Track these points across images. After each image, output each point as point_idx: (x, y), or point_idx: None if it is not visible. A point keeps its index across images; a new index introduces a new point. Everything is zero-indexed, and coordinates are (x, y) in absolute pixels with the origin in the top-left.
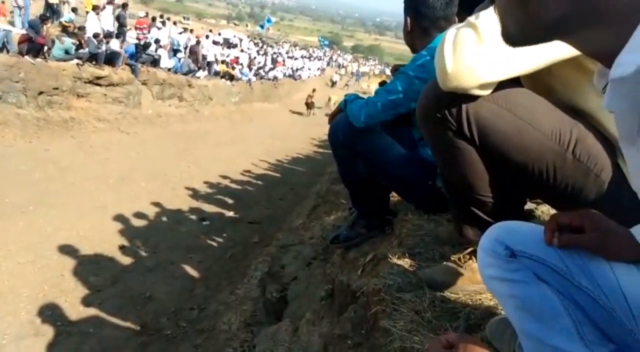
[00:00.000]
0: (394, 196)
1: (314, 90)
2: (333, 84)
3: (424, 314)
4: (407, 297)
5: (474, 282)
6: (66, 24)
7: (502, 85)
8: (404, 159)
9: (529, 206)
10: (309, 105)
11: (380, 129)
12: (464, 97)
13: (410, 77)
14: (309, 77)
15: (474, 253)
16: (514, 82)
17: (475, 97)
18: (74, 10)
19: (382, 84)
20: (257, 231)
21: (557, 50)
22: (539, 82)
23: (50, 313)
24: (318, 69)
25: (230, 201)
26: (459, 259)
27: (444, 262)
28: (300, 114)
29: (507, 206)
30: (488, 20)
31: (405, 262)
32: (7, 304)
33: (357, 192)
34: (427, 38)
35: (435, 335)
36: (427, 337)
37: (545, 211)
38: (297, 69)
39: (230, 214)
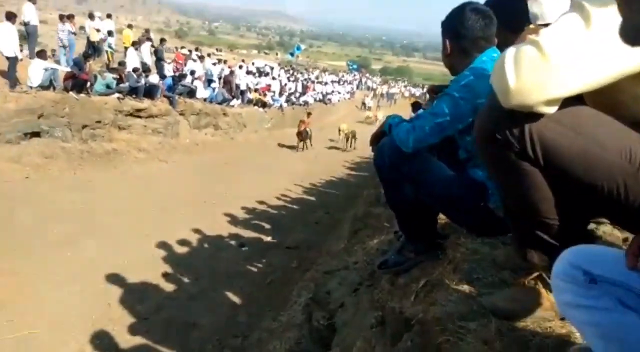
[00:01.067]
0: (442, 219)
1: (309, 114)
2: (364, 106)
3: (493, 344)
4: (471, 326)
5: (543, 308)
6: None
7: (564, 104)
8: (452, 180)
9: (589, 226)
10: (302, 136)
11: (426, 151)
12: (526, 117)
13: (456, 98)
14: (339, 100)
15: (539, 278)
16: (576, 100)
17: (537, 117)
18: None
19: (415, 104)
20: (296, 256)
21: (628, 64)
22: (604, 97)
23: (99, 342)
24: (348, 92)
25: (267, 226)
26: (524, 284)
27: (508, 288)
28: (292, 147)
29: (573, 228)
30: (551, 36)
31: (464, 288)
32: (58, 333)
33: (404, 215)
34: (468, 59)
35: None
36: None
37: (608, 231)
38: (327, 94)
39: (268, 239)
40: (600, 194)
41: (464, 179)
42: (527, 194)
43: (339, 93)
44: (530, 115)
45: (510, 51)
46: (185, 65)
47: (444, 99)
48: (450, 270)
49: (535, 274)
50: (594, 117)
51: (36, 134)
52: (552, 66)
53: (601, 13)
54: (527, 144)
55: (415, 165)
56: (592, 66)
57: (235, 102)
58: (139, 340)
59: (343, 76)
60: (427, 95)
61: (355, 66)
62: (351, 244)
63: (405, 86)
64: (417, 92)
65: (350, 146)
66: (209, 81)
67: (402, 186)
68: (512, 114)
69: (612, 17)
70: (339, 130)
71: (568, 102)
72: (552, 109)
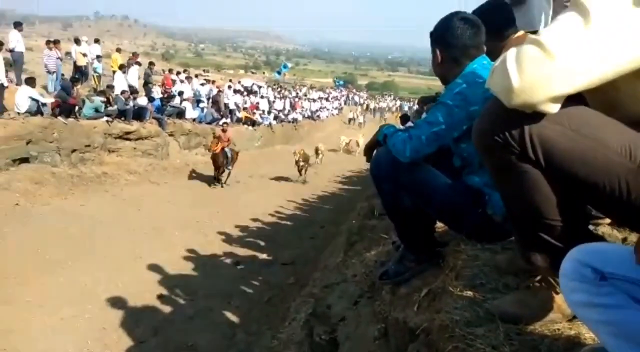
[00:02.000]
0: (440, 227)
1: (224, 129)
2: (352, 121)
3: (502, 348)
4: (479, 331)
5: (550, 311)
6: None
7: (563, 105)
8: (450, 188)
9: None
10: (219, 162)
11: (422, 159)
12: (525, 118)
13: (450, 106)
14: (327, 116)
15: (544, 280)
16: (574, 101)
17: (537, 119)
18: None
19: (403, 117)
20: (292, 272)
21: (633, 57)
22: (602, 96)
23: None
24: (335, 108)
25: (262, 243)
26: (530, 287)
27: (513, 292)
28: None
29: (576, 228)
30: (552, 34)
31: (468, 295)
32: None
33: (403, 225)
34: (459, 67)
35: None
36: None
37: (607, 231)
38: (315, 110)
39: (264, 256)
40: (601, 192)
41: (461, 186)
42: (529, 196)
43: (327, 109)
44: (530, 116)
45: (511, 52)
46: (173, 85)
47: (438, 108)
48: (452, 277)
49: (540, 277)
50: (593, 116)
51: (25, 160)
52: (555, 63)
53: (600, 8)
54: (527, 145)
55: (412, 175)
56: (596, 61)
57: (225, 121)
58: None
59: (330, 93)
60: (416, 107)
61: (341, 82)
62: (348, 257)
63: (393, 100)
64: (406, 106)
65: (301, 175)
66: (198, 102)
67: (400, 196)
68: (511, 116)
69: (611, 11)
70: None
71: (567, 102)
72: (555, 107)
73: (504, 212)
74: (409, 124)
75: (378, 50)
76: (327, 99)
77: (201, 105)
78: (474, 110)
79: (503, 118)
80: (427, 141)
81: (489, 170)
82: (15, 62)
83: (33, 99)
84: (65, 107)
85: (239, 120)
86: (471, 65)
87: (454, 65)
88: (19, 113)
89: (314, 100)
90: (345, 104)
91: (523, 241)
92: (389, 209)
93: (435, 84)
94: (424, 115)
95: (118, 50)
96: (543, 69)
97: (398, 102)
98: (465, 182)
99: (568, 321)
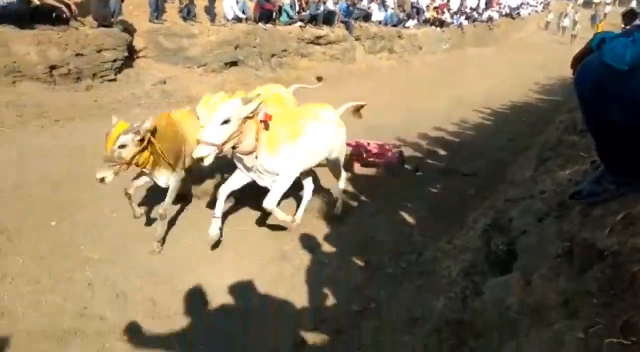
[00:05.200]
0: None
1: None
2: (548, 24)
3: None
4: None
5: None
6: None
7: None
8: None
9: None
10: None
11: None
12: None
13: None
14: (529, 14)
15: None
16: None
17: None
18: None
19: (628, 14)
20: (473, 183)
21: None
22: None
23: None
24: (540, 3)
25: (443, 152)
26: None
27: None
28: None
29: None
30: None
31: None
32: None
33: (605, 143)
34: None
35: None
36: None
37: None
38: (515, 7)
39: (443, 165)
40: None
41: None
42: None
43: (530, 5)
44: None
45: None
46: None
47: None
48: None
49: None
50: None
51: (234, 63)
52: None
53: None
54: None
55: (627, 83)
56: None
57: (411, 22)
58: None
59: None
60: None
61: None
62: (538, 173)
63: None
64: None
65: None
66: (383, 2)
67: (607, 109)
68: None
69: None
70: None
71: None
72: None
73: None
74: (637, 22)
75: None
76: None
77: (387, 4)
78: None
79: None
80: None
81: None
82: None
83: (238, 2)
84: (264, 13)
85: (426, 21)
86: None
87: None
88: (228, 20)
89: None
90: None
91: None
92: (591, 122)
93: None
94: None
95: None
96: None
97: None
98: None
99: None
